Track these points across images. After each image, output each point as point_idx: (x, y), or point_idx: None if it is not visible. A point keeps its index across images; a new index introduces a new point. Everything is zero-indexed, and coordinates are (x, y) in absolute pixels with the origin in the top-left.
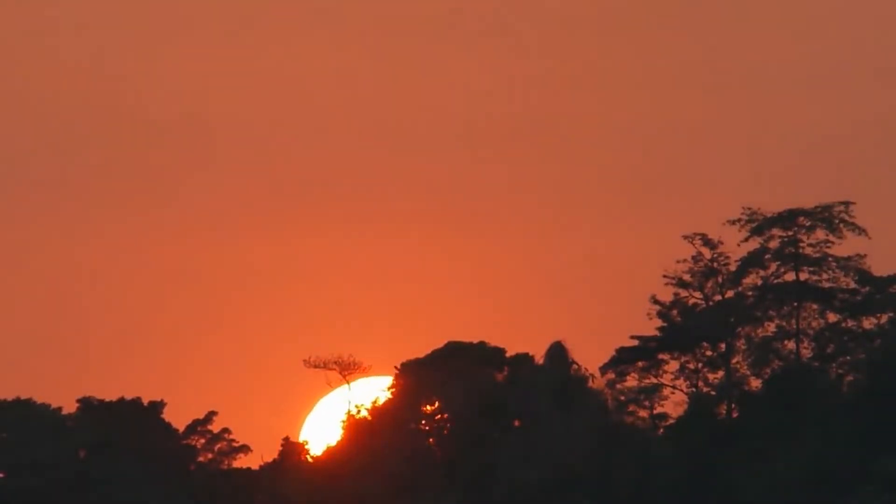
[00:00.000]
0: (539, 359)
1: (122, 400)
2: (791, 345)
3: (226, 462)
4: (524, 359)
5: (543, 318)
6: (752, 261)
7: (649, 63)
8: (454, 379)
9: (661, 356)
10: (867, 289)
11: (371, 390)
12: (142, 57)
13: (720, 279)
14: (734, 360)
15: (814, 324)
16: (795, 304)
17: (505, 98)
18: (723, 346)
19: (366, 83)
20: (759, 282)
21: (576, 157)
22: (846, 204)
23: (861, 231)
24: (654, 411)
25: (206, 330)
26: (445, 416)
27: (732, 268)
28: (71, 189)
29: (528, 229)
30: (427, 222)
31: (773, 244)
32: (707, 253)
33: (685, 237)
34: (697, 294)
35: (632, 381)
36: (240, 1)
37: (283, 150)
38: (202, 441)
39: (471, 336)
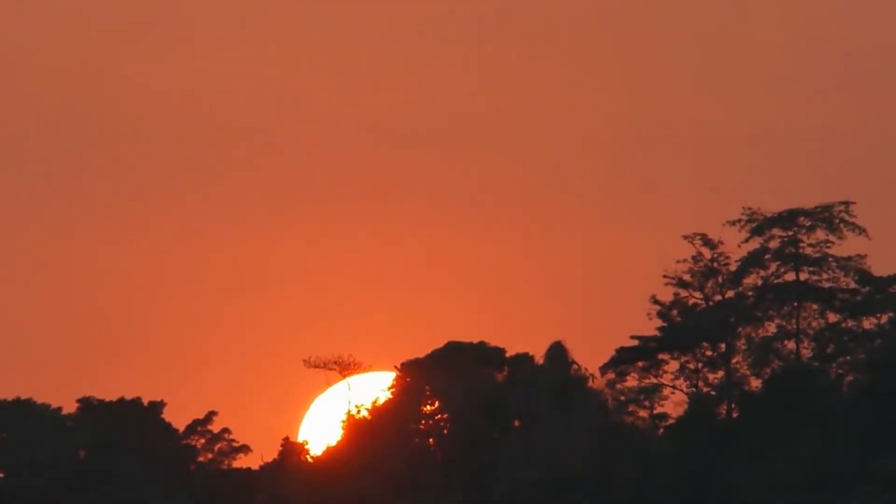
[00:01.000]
0: (539, 359)
1: (122, 400)
2: (791, 345)
3: (226, 462)
4: (524, 359)
5: (543, 318)
6: (753, 261)
7: (649, 63)
8: (454, 379)
9: (661, 356)
10: (867, 289)
11: (371, 387)
12: (142, 57)
13: (720, 279)
14: (734, 360)
15: (814, 324)
16: (795, 304)
17: (505, 98)
18: (723, 346)
19: (366, 83)
20: (760, 282)
21: (576, 158)
22: (846, 204)
23: (861, 231)
24: (654, 411)
25: (206, 330)
26: (445, 416)
27: (732, 268)
28: (71, 189)
29: (528, 229)
30: (427, 222)
31: (774, 244)
32: (707, 253)
33: (685, 237)
34: (697, 294)
35: (632, 381)
36: (240, 1)
37: (283, 149)
38: (202, 441)
39: (471, 336)
